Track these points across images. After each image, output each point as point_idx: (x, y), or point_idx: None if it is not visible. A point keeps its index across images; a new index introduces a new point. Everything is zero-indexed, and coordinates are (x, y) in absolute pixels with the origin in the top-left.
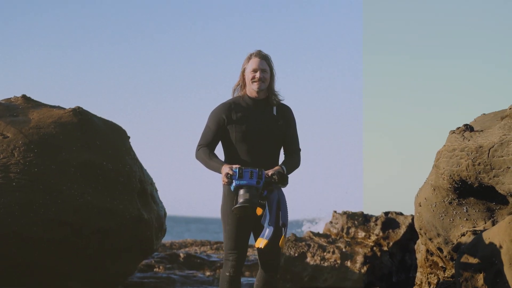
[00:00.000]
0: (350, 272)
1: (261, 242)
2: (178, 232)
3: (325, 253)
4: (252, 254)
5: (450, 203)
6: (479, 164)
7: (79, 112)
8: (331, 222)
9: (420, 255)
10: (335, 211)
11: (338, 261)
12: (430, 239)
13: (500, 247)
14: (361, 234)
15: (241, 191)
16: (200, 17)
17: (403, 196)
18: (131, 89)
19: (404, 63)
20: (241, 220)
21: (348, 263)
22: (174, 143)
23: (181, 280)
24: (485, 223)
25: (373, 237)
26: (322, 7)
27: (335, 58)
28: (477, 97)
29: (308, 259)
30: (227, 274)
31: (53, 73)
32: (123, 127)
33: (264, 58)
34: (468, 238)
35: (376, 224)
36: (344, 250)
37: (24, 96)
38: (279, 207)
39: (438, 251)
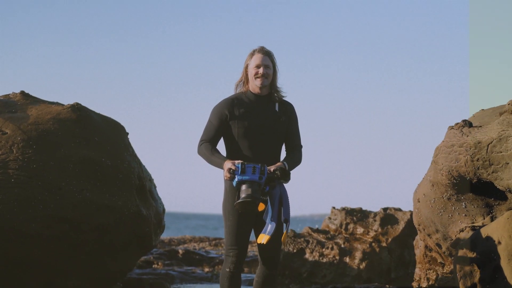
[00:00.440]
0: (348, 268)
1: (263, 238)
2: (177, 228)
3: (324, 249)
4: (251, 251)
5: (448, 199)
6: (477, 159)
7: (77, 108)
8: (329, 218)
9: (418, 251)
10: (333, 207)
11: (337, 257)
12: (428, 235)
13: (499, 242)
14: (360, 230)
15: (243, 187)
16: (200, 12)
17: (402, 192)
18: (129, 85)
19: (404, 61)
20: (242, 216)
21: (347, 259)
22: (173, 139)
23: (180, 276)
24: (484, 218)
25: (372, 233)
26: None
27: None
28: (476, 93)
29: (307, 255)
30: (227, 270)
31: (51, 69)
32: (122, 123)
33: (267, 54)
34: (466, 234)
35: (375, 220)
36: (343, 246)
37: (22, 92)
38: (281, 203)
39: (437, 247)
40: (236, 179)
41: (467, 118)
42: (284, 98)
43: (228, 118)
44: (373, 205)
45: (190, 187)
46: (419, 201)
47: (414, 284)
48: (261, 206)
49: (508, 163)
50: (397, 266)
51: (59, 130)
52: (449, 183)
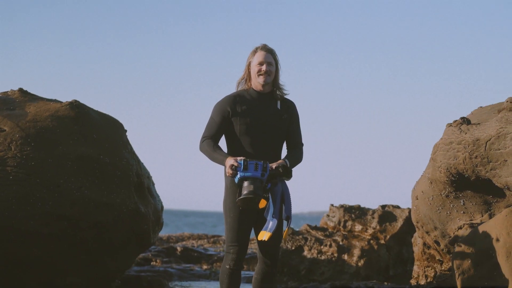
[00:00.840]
0: (347, 265)
1: (264, 235)
2: (176, 225)
3: (322, 247)
4: (250, 248)
5: (447, 196)
6: (476, 157)
7: (76, 106)
8: (328, 216)
9: (417, 248)
10: (332, 205)
11: (335, 255)
12: (427, 232)
13: (497, 240)
14: (358, 227)
15: (245, 183)
16: (199, 10)
17: (400, 189)
18: (128, 83)
19: (402, 60)
20: (243, 213)
21: (345, 256)
22: (171, 137)
23: (178, 273)
24: (482, 216)
25: (370, 230)
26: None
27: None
28: (474, 90)
29: (305, 253)
30: (227, 267)
31: (50, 66)
32: (120, 121)
33: (269, 51)
34: (465, 231)
35: (373, 218)
36: (341, 243)
37: (20, 90)
38: (283, 200)
39: (435, 244)
40: (238, 176)
41: (465, 116)
42: (285, 97)
43: (230, 115)
44: (372, 203)
45: (189, 185)
46: (417, 199)
47: (413, 281)
48: (263, 203)
49: (506, 161)
50: (395, 263)
51: (57, 127)
52: (447, 180)
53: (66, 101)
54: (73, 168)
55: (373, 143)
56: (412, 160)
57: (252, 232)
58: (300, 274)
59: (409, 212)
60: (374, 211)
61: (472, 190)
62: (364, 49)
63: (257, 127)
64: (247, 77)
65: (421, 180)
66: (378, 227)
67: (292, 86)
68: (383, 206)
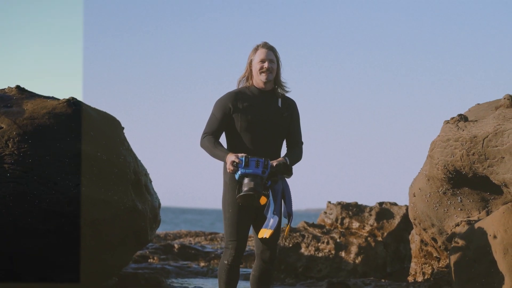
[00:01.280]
0: (344, 262)
1: (265, 232)
2: (173, 223)
3: (319, 244)
4: (247, 245)
5: (444, 193)
6: (473, 154)
7: (73, 103)
8: (325, 213)
9: (414, 245)
10: (329, 202)
11: (333, 252)
12: (424, 229)
13: (495, 237)
14: (356, 224)
15: (246, 180)
16: (197, 8)
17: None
18: (126, 80)
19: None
20: (242, 209)
21: (343, 254)
22: (169, 134)
23: (175, 271)
24: (480, 213)
25: (368, 228)
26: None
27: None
28: (472, 87)
29: (303, 250)
30: (226, 262)
31: (47, 64)
32: (118, 118)
33: (271, 49)
34: (462, 228)
35: (371, 215)
36: (338, 240)
37: (18, 87)
38: (284, 198)
39: (433, 241)
40: (239, 172)
41: (462, 113)
42: (286, 95)
43: (231, 111)
44: (369, 200)
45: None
46: (414, 196)
47: (410, 278)
48: (263, 200)
49: (503, 158)
50: (392, 260)
51: (54, 124)
52: (444, 177)
53: (64, 99)
54: (70, 166)
55: (370, 140)
56: (409, 157)
57: (250, 230)
58: (297, 271)
59: (407, 209)
60: (371, 208)
61: (470, 187)
62: (360, 46)
63: (258, 124)
64: (249, 75)
65: (419, 177)
66: (375, 224)
67: (290, 84)
68: (381, 203)
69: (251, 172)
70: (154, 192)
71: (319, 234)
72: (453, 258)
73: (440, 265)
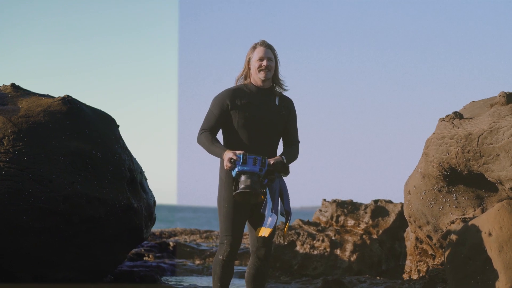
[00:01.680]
0: (339, 260)
1: (264, 231)
2: (168, 220)
3: (314, 242)
4: (242, 243)
5: (439, 190)
6: (468, 151)
7: (68, 101)
8: (320, 210)
9: (409, 243)
10: (324, 199)
11: (328, 249)
12: (419, 227)
13: (490, 234)
14: (351, 222)
15: (243, 177)
16: (190, 6)
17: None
18: (120, 78)
19: (394, 54)
20: (238, 205)
21: (338, 251)
22: (164, 132)
23: (170, 268)
24: (475, 210)
25: (363, 225)
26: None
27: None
28: (467, 85)
29: (298, 248)
30: (220, 257)
31: (42, 62)
32: (112, 116)
33: (269, 47)
34: (457, 226)
35: (366, 212)
36: (333, 238)
37: (13, 85)
38: (282, 196)
39: (428, 239)
40: (236, 169)
41: (458, 110)
42: (284, 94)
43: (229, 108)
44: (364, 197)
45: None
46: (409, 193)
47: (405, 276)
48: (260, 198)
49: (499, 155)
50: (388, 258)
51: (49, 122)
52: (440, 175)
53: (59, 96)
54: (65, 163)
55: (366, 137)
56: (404, 154)
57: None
58: (292, 269)
59: (402, 207)
60: (366, 206)
61: (465, 184)
62: (355, 44)
63: (256, 121)
64: (247, 73)
65: (414, 174)
66: (370, 221)
67: (286, 82)
68: (376, 201)
69: (249, 170)
70: (149, 190)
71: (314, 232)
72: (448, 255)
73: (435, 263)
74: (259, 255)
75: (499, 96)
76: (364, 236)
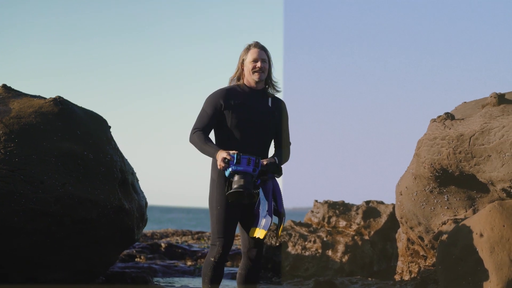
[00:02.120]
0: (331, 261)
1: (258, 232)
2: (160, 222)
3: (306, 243)
4: (233, 244)
5: (431, 191)
6: (460, 152)
7: (59, 102)
8: (312, 211)
9: (401, 244)
10: (316, 200)
11: (319, 250)
12: (411, 228)
13: (481, 235)
14: (342, 223)
15: (236, 177)
16: (182, 7)
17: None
18: (112, 79)
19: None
20: (229, 207)
21: (329, 252)
22: (155, 133)
23: (162, 270)
24: (466, 211)
25: (354, 226)
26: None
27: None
28: (458, 85)
29: (290, 249)
30: (212, 259)
31: (33, 62)
32: (104, 117)
33: (262, 48)
34: (449, 227)
35: (357, 213)
36: (325, 239)
37: (4, 86)
38: (275, 197)
39: (419, 240)
40: (230, 169)
41: (449, 111)
42: (276, 95)
43: (222, 108)
44: (356, 198)
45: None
46: (401, 194)
47: (397, 277)
48: (254, 198)
49: (490, 156)
50: (379, 259)
51: (41, 123)
52: (431, 175)
53: (50, 97)
54: (57, 165)
55: (357, 138)
56: (396, 155)
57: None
58: (284, 270)
59: (393, 208)
60: (358, 207)
61: (456, 185)
62: (348, 46)
63: (249, 122)
64: (240, 74)
65: (405, 175)
66: (362, 223)
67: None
68: (367, 202)
69: (242, 170)
70: (141, 191)
71: (306, 233)
72: (440, 256)
73: (427, 264)
74: (250, 256)
75: (491, 97)
76: (355, 237)
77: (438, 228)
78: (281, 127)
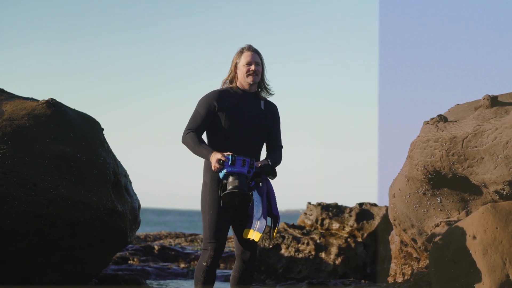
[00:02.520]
0: (324, 263)
1: (253, 234)
2: (153, 224)
3: (299, 245)
4: (226, 246)
5: (424, 194)
6: (453, 154)
7: (52, 104)
8: (305, 214)
9: (394, 246)
10: (309, 203)
11: (313, 253)
12: (404, 230)
13: (474, 237)
14: (336, 225)
15: (231, 178)
16: (176, 9)
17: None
18: (105, 81)
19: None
20: (222, 210)
21: (323, 255)
22: (148, 135)
23: (155, 272)
24: (459, 213)
25: (348, 228)
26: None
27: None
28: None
29: (283, 251)
30: (204, 264)
31: (26, 65)
32: (97, 119)
33: (256, 51)
34: (442, 229)
35: (351, 215)
36: (318, 241)
37: None
38: (269, 199)
39: (412, 242)
40: (224, 171)
41: (442, 113)
42: (268, 99)
43: (216, 109)
44: (349, 200)
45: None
46: (394, 196)
47: (390, 279)
48: (248, 200)
49: (483, 158)
50: (372, 261)
51: (34, 125)
52: (424, 178)
53: (43, 100)
54: (50, 167)
55: (351, 140)
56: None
57: (231, 230)
58: (277, 272)
59: (386, 210)
60: (351, 209)
61: (449, 187)
62: (338, 44)
63: (242, 124)
64: (233, 77)
65: (398, 178)
66: (355, 225)
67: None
68: (361, 204)
69: (237, 171)
70: (134, 193)
71: (299, 235)
72: (433, 258)
73: (420, 266)
74: (244, 259)
75: (484, 99)
76: (349, 239)
77: (431, 230)
78: (273, 130)
